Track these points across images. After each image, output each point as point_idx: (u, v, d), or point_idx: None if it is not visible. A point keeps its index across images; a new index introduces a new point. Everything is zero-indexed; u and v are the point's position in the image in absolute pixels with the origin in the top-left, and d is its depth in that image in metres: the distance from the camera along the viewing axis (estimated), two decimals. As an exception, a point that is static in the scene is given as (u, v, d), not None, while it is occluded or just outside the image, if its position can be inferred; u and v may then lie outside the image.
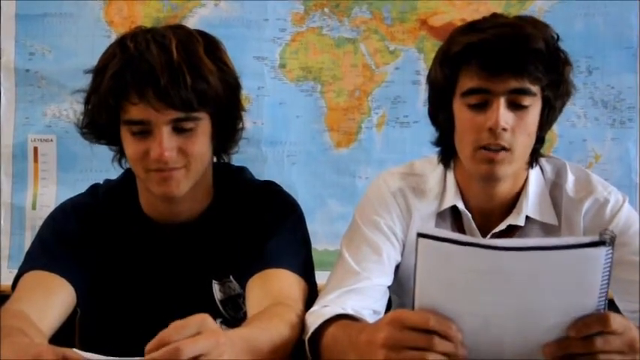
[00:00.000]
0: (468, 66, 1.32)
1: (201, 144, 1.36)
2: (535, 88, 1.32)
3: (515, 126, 1.31)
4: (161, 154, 1.30)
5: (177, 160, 1.33)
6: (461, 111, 1.35)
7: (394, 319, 1.02)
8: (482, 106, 1.32)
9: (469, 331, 1.01)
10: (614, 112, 2.29)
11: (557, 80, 1.34)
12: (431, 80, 1.43)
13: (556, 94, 1.35)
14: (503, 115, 1.30)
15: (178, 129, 1.33)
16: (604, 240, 0.93)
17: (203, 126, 1.36)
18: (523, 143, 1.34)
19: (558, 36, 1.36)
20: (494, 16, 1.38)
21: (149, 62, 1.29)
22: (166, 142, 1.31)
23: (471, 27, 1.36)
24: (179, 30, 1.38)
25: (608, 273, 0.96)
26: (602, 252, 0.94)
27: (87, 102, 1.40)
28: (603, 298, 0.99)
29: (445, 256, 0.96)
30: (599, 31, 2.28)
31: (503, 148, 1.32)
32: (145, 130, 1.32)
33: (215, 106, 1.36)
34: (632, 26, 2.26)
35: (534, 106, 1.33)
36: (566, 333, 1.00)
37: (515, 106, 1.31)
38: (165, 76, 1.28)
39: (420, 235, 0.96)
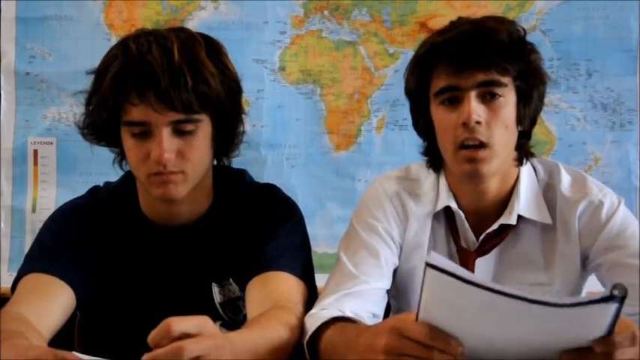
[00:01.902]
0: (436, 67, 1.35)
1: (200, 147, 1.36)
2: (505, 79, 1.33)
3: (490, 119, 1.33)
4: (161, 156, 1.30)
5: (176, 164, 1.33)
6: (436, 112, 1.37)
7: (395, 327, 1.02)
8: (455, 103, 1.34)
9: (473, 347, 1.01)
10: (614, 114, 2.29)
11: (525, 69, 1.35)
12: (407, 89, 1.45)
13: (528, 84, 1.36)
14: (475, 108, 1.31)
15: (178, 131, 1.33)
16: (615, 296, 0.92)
17: (203, 128, 1.36)
18: (501, 137, 1.34)
19: (524, 30, 1.38)
20: (460, 18, 1.41)
21: (150, 64, 1.29)
22: (166, 143, 1.31)
23: (438, 32, 1.39)
24: (181, 32, 1.38)
25: (615, 319, 0.96)
26: (613, 306, 0.93)
27: (88, 103, 1.40)
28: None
29: (452, 289, 0.95)
30: (598, 34, 2.28)
31: (482, 144, 1.32)
32: (145, 132, 1.32)
33: (216, 109, 1.36)
34: (631, 29, 2.27)
35: (507, 98, 1.34)
36: (590, 345, 0.99)
37: (488, 99, 1.33)
38: (166, 78, 1.28)
39: (429, 265, 0.94)
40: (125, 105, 1.31)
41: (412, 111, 1.47)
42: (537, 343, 1.00)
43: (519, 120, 1.37)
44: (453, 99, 1.34)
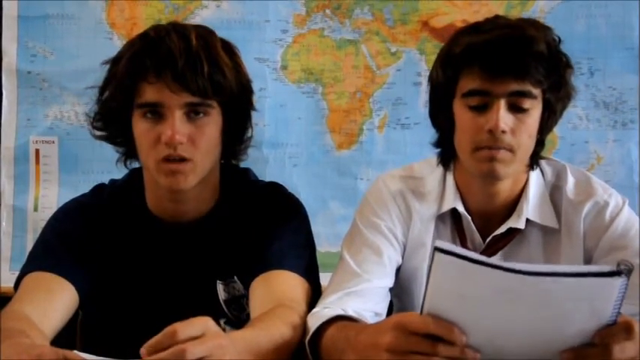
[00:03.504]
0: (469, 67, 1.32)
1: (210, 137, 1.36)
2: (536, 91, 1.32)
3: (516, 128, 1.31)
4: (172, 137, 1.31)
5: (186, 149, 1.33)
6: (461, 112, 1.35)
7: (398, 324, 1.02)
8: (483, 107, 1.32)
9: (474, 342, 1.00)
10: (616, 113, 2.29)
11: (558, 83, 1.34)
12: (432, 80, 1.43)
13: (557, 97, 1.35)
14: (503, 117, 1.30)
15: (191, 117, 1.34)
16: (621, 271, 0.92)
17: (214, 116, 1.37)
18: (524, 145, 1.34)
19: (560, 38, 1.36)
20: (497, 17, 1.38)
21: (168, 47, 1.32)
22: (178, 125, 1.32)
23: (474, 28, 1.36)
24: (199, 26, 1.41)
25: (620, 301, 0.96)
26: (618, 282, 0.93)
27: (101, 92, 1.41)
28: (612, 324, 0.99)
29: (461, 272, 0.95)
30: (600, 33, 2.28)
31: (504, 148, 1.32)
32: (157, 114, 1.33)
33: (228, 100, 1.37)
34: (633, 27, 2.26)
35: (535, 109, 1.33)
36: (590, 340, 0.99)
37: (516, 109, 1.31)
38: (182, 60, 1.31)
39: (438, 249, 0.94)
40: (141, 85, 1.33)
41: (433, 103, 1.44)
42: (541, 333, 1.00)
43: (541, 129, 1.36)
44: (483, 105, 1.32)
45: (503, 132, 1.30)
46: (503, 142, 1.31)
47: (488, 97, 1.31)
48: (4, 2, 2.31)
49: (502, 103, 1.30)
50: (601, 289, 0.95)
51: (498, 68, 1.29)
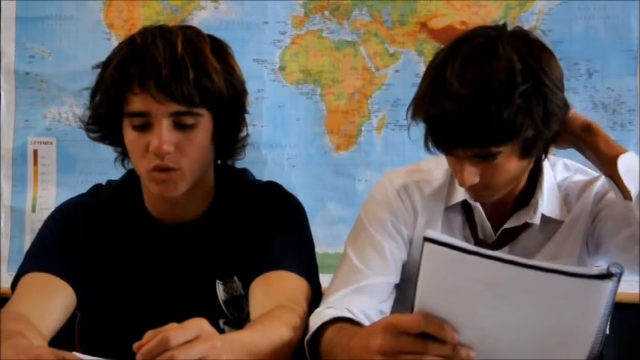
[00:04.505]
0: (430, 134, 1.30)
1: (200, 144, 1.35)
2: (504, 147, 1.26)
3: (488, 176, 1.29)
4: (159, 147, 1.29)
5: (174, 159, 1.32)
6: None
7: (388, 325, 1.01)
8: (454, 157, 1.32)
9: (466, 341, 1.00)
10: (615, 115, 2.28)
11: (534, 133, 1.26)
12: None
13: (535, 141, 1.28)
14: (469, 175, 1.28)
15: (179, 125, 1.32)
16: (612, 273, 0.92)
17: (204, 124, 1.35)
18: (503, 183, 1.32)
19: (542, 59, 1.27)
20: (466, 69, 1.24)
21: (153, 55, 1.30)
22: (165, 134, 1.30)
23: (434, 93, 1.27)
24: (188, 29, 1.39)
25: (611, 302, 0.95)
26: (609, 285, 0.93)
27: (93, 96, 1.40)
28: (604, 326, 0.97)
29: (450, 262, 0.95)
30: (599, 34, 2.28)
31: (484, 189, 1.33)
32: (145, 124, 1.32)
33: (217, 105, 1.35)
34: (632, 29, 2.26)
35: (507, 154, 1.27)
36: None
37: (483, 161, 1.28)
38: (167, 68, 1.28)
39: (427, 239, 0.94)
40: (127, 95, 1.31)
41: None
42: (532, 333, 0.99)
43: (526, 157, 1.31)
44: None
45: (473, 184, 1.29)
46: (478, 192, 1.33)
47: (453, 156, 1.30)
48: (2, 3, 2.32)
49: (466, 165, 1.28)
50: (592, 291, 0.94)
51: (457, 143, 1.26)
